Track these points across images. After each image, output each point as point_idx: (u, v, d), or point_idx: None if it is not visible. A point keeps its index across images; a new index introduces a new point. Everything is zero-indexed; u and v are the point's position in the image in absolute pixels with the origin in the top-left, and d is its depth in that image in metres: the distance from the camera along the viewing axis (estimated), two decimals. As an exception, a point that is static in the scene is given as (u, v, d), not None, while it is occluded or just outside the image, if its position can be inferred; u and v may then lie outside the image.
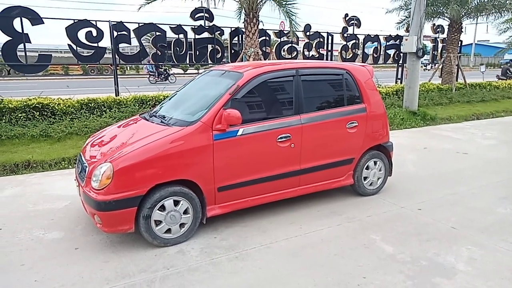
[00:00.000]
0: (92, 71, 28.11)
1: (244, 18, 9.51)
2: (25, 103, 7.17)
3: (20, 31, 7.49)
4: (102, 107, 7.77)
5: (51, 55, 8.50)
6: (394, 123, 9.24)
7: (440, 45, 14.01)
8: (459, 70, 13.60)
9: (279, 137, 3.87)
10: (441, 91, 12.35)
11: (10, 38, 7.49)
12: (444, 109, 11.05)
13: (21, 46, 7.53)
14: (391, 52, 13.02)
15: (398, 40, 12.71)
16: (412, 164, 6.19)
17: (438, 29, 13.88)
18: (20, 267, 3.15)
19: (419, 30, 9.60)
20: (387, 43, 12.79)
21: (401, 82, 12.88)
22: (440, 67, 13.79)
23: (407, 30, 11.75)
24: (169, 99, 4.49)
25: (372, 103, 4.55)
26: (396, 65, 13.48)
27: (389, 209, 4.35)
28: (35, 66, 8.23)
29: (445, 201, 4.57)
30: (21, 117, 7.04)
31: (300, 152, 4.04)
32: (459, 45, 13.48)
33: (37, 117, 7.18)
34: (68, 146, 6.52)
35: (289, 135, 3.93)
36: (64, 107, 7.44)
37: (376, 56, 12.63)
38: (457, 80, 13.61)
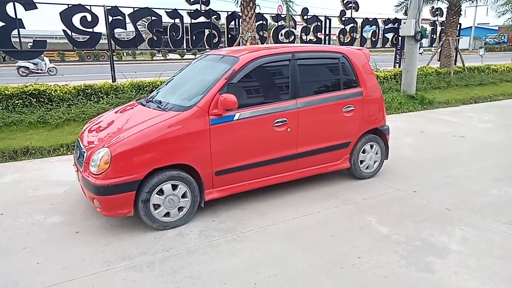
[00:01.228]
0: (89, 57, 27.89)
1: (241, 2, 9.41)
2: (21, 90, 7.14)
3: (14, 16, 7.41)
4: (99, 93, 7.74)
5: (45, 40, 8.45)
6: (391, 107, 9.26)
7: (439, 28, 13.92)
8: (458, 53, 13.55)
9: (276, 121, 3.90)
10: (439, 75, 12.32)
11: (3, 24, 7.41)
12: (442, 93, 11.05)
13: (15, 32, 7.47)
14: (390, 35, 12.94)
15: (397, 23, 12.61)
16: (408, 147, 6.24)
17: (436, 12, 13.78)
18: (22, 250, 3.21)
19: (417, 13, 9.52)
20: (386, 27, 12.69)
21: (399, 66, 12.85)
22: (439, 50, 13.72)
23: (406, 13, 11.65)
24: (166, 84, 4.49)
25: (369, 87, 4.56)
26: (394, 49, 13.42)
27: (385, 192, 4.41)
28: (30, 52, 8.20)
29: (441, 184, 4.63)
30: (18, 104, 7.02)
31: (297, 136, 4.07)
32: (458, 28, 13.39)
33: (34, 103, 7.16)
34: (66, 132, 6.53)
35: (285, 119, 3.95)
36: (61, 94, 7.41)
37: (374, 40, 12.53)
38: (455, 64, 13.57)
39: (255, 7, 9.42)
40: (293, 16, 10.64)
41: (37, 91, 7.23)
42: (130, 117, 3.86)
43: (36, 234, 3.48)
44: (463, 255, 3.12)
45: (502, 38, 38.37)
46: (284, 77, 4.06)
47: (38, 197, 4.29)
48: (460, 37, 13.72)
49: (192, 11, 9.45)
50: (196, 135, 3.52)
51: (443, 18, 13.57)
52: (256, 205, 4.04)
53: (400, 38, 12.67)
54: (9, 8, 7.38)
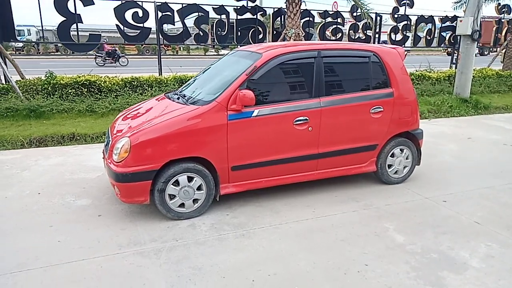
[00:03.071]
0: (147, 51, 29.21)
1: (286, -2, 9.36)
2: (74, 80, 7.70)
3: (73, 11, 8.00)
4: (144, 85, 8.13)
5: (100, 34, 9.01)
6: (440, 111, 8.73)
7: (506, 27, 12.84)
8: (525, 55, 12.41)
9: (296, 119, 3.84)
10: (500, 78, 11.37)
11: (64, 19, 8.03)
12: (501, 98, 10.21)
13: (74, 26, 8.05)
14: (447, 34, 12.16)
15: (455, 21, 11.81)
16: (450, 154, 5.85)
17: (503, 10, 12.70)
18: (49, 228, 3.48)
19: (476, 11, 8.85)
20: (443, 25, 11.95)
21: (455, 67, 12.03)
22: (503, 51, 12.66)
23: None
24: (194, 79, 4.61)
25: (401, 88, 4.33)
26: (451, 48, 12.60)
27: (411, 199, 4.18)
28: (86, 45, 8.79)
29: (475, 195, 4.30)
30: (71, 93, 7.58)
31: (319, 135, 3.99)
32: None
33: (85, 93, 7.69)
34: (110, 121, 6.87)
35: (306, 118, 3.88)
36: (110, 85, 7.88)
37: (429, 38, 11.86)
38: (521, 66, 12.44)
39: (300, 4, 9.32)
40: (341, 12, 10.39)
41: (88, 81, 7.76)
42: (155, 110, 4.01)
43: (63, 214, 3.76)
44: (483, 273, 2.89)
45: None
46: (308, 75, 3.98)
47: (73, 180, 4.62)
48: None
49: (238, 7, 9.57)
50: (214, 130, 3.58)
51: (511, 16, 12.48)
52: (273, 203, 4.03)
53: (458, 37, 11.85)
54: (70, 4, 7.98)
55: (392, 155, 4.47)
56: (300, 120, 3.86)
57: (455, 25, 11.81)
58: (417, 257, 3.08)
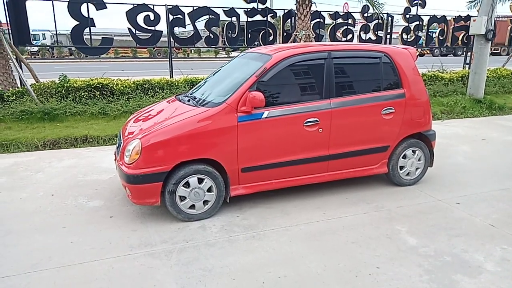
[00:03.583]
0: (159, 54, 29.48)
1: (296, 0, 9.34)
2: (87, 83, 7.81)
3: (86, 15, 8.12)
4: (156, 88, 8.20)
5: (112, 38, 9.12)
6: (453, 112, 8.61)
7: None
8: (541, 54, 12.16)
9: (306, 121, 3.83)
10: (516, 78, 11.16)
11: (77, 23, 8.16)
12: (516, 98, 10.01)
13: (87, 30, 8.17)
14: (460, 34, 11.97)
15: (469, 21, 11.63)
16: (463, 155, 5.75)
17: (518, 8, 12.47)
18: (61, 229, 3.53)
19: (490, 10, 8.71)
20: (456, 25, 11.77)
21: (469, 67, 11.84)
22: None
23: (480, 10, 10.70)
24: (204, 81, 4.63)
25: (413, 89, 4.29)
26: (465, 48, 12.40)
27: (424, 201, 4.13)
28: (98, 48, 8.91)
29: (490, 197, 4.22)
30: (84, 96, 7.68)
31: (329, 137, 3.97)
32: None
33: (98, 96, 7.78)
34: (122, 123, 6.94)
35: (317, 119, 3.86)
36: (122, 88, 7.97)
37: (442, 38, 11.70)
38: (537, 66, 12.19)
39: (311, 5, 9.29)
40: (351, 13, 10.33)
41: (101, 84, 7.86)
42: (166, 112, 4.04)
43: (76, 216, 3.80)
44: (498, 276, 2.83)
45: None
46: (318, 76, 3.96)
47: (86, 182, 4.68)
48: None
49: (249, 9, 9.59)
50: (224, 131, 3.59)
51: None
52: (283, 204, 4.02)
53: (471, 37, 11.67)
54: (83, 8, 8.10)
55: (404, 157, 4.42)
56: (310, 121, 3.85)
57: (468, 25, 11.64)
58: (430, 260, 3.03)
